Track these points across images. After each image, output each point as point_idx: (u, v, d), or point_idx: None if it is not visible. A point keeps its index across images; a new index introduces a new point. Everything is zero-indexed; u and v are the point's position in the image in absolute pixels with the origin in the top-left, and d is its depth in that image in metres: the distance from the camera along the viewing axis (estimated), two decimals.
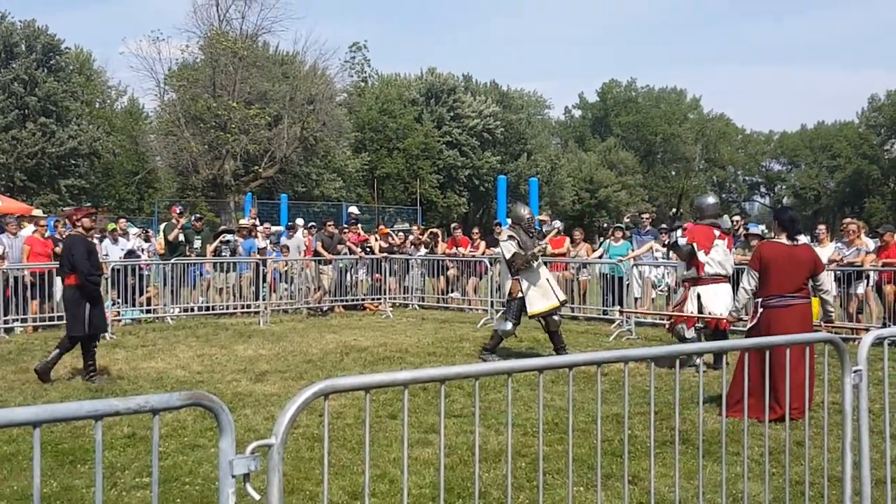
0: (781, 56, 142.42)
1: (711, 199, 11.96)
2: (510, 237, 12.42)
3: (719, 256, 11.17)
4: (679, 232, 11.57)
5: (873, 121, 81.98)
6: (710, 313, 10.98)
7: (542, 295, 12.19)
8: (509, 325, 12.31)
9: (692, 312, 11.14)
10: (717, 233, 11.24)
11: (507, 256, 12.28)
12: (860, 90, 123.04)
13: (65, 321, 11.20)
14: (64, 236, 12.11)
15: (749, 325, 8.43)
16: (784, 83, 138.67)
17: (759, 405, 4.96)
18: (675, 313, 11.75)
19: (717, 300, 11.05)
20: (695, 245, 11.15)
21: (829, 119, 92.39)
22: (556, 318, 12.40)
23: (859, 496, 4.56)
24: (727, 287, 11.27)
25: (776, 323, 7.99)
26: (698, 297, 11.12)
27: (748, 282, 8.50)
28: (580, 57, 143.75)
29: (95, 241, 13.32)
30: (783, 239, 8.54)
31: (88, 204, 42.56)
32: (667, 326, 11.73)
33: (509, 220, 13.97)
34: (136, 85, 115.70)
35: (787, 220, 8.63)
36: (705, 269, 11.08)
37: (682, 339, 11.21)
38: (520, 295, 12.25)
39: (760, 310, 8.30)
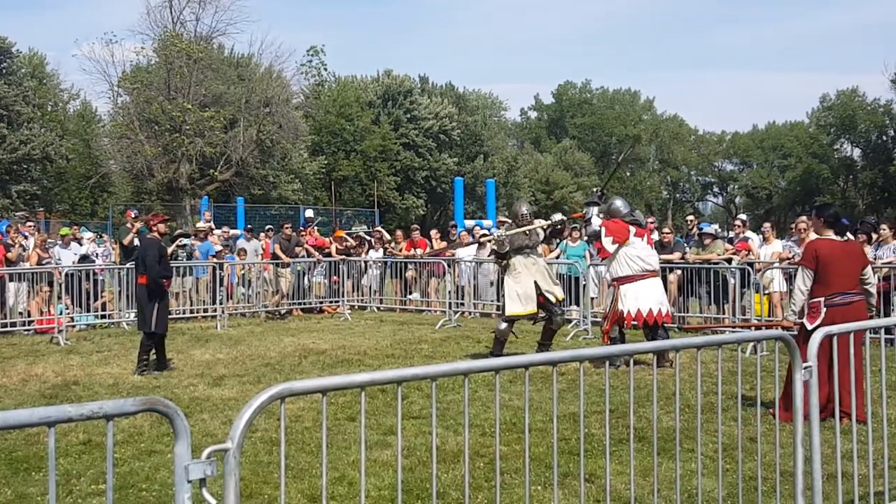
0: (732, 58, 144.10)
1: (620, 202, 12.04)
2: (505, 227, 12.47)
3: (640, 252, 11.31)
4: (595, 209, 11.67)
5: (823, 120, 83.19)
6: (639, 309, 11.12)
7: (523, 298, 12.04)
8: (503, 325, 12.26)
9: (623, 311, 11.23)
10: (632, 229, 11.35)
11: (503, 236, 12.17)
12: (809, 91, 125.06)
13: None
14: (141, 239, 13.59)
15: (812, 326, 7.76)
16: (735, 85, 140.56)
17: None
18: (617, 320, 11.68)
19: (644, 295, 11.18)
20: (604, 230, 11.31)
21: (780, 119, 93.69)
22: (559, 318, 12.42)
23: (811, 490, 4.64)
24: (656, 281, 11.47)
25: (842, 321, 7.19)
26: (627, 294, 11.22)
27: (804, 281, 8.15)
28: (536, 59, 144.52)
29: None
30: (830, 235, 8.32)
31: (42, 209, 42.12)
32: (604, 330, 11.66)
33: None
34: (88, 88, 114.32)
35: (830, 216, 8.42)
36: (620, 262, 11.26)
37: (618, 341, 11.33)
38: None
39: (824, 309, 7.97)
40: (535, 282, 12.08)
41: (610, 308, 11.60)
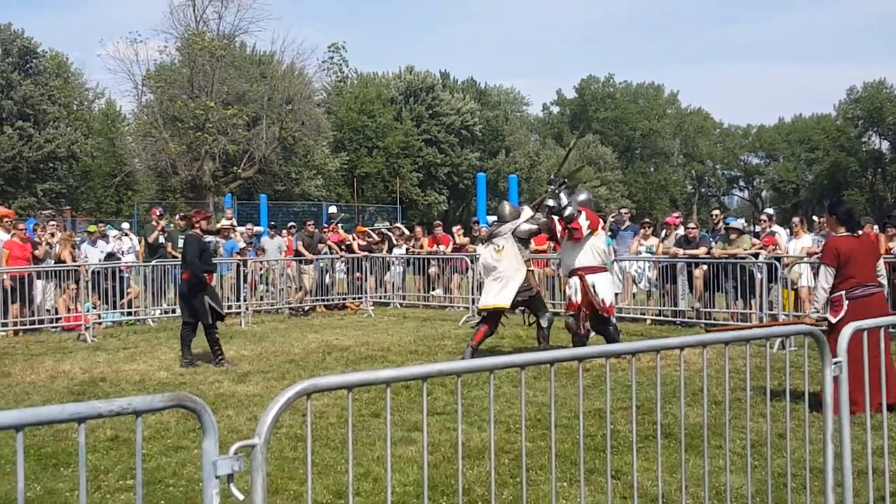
0: (758, 51, 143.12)
1: (585, 196, 12.10)
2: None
3: (602, 245, 11.69)
4: (564, 199, 11.74)
5: (850, 113, 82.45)
6: (602, 300, 11.36)
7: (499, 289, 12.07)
8: (545, 321, 12.32)
9: (599, 301, 11.39)
10: (601, 222, 11.88)
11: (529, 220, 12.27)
12: (837, 83, 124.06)
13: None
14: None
15: (836, 319, 8.09)
16: (761, 77, 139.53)
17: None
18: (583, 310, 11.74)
19: (605, 286, 11.52)
20: (583, 212, 11.43)
21: (807, 112, 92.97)
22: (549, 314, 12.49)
23: (841, 487, 4.59)
24: (608, 275, 11.94)
25: (865, 313, 7.60)
26: (596, 284, 11.42)
27: (826, 279, 8.36)
28: (558, 54, 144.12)
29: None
30: (843, 231, 8.53)
31: (68, 207, 42.43)
32: (578, 324, 11.69)
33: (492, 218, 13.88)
34: (113, 87, 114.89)
35: (843, 213, 8.66)
36: (587, 252, 11.42)
37: (574, 331, 11.50)
38: (535, 290, 12.36)
39: (846, 302, 8.19)
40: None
41: (574, 299, 11.52)
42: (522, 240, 12.31)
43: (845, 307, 8.18)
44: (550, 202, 11.89)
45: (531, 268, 12.52)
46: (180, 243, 18.66)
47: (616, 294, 16.18)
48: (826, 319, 8.25)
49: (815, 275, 14.65)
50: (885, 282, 8.82)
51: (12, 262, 15.74)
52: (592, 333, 11.80)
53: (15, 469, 2.57)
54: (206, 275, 11.96)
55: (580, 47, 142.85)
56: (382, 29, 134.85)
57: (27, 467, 6.43)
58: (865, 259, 8.43)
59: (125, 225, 20.49)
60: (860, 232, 8.81)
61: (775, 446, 5.47)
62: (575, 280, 11.56)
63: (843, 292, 8.28)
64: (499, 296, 11.98)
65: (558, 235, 11.90)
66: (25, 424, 2.51)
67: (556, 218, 11.69)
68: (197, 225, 12.30)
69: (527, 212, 12.46)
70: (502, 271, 12.02)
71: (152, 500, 5.90)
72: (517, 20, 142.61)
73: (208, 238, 18.95)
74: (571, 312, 11.60)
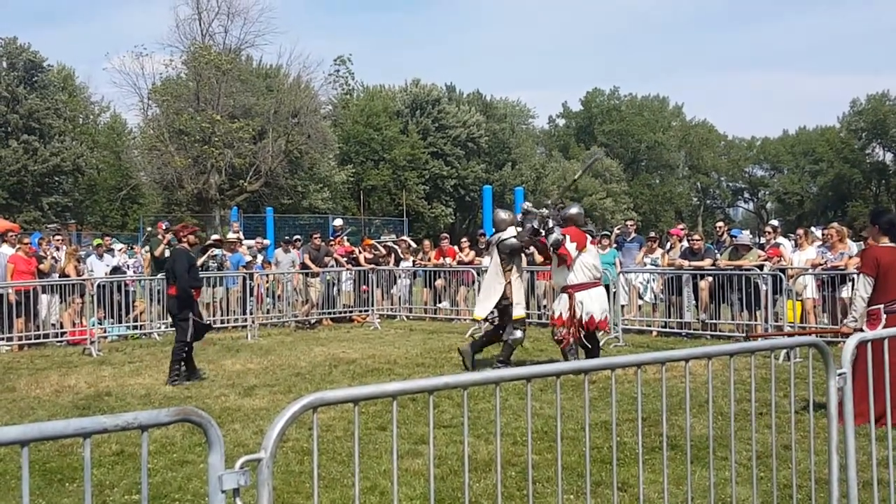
0: (762, 63, 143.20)
1: (576, 210, 12.21)
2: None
3: (591, 260, 11.65)
4: (551, 224, 11.80)
5: (854, 125, 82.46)
6: (588, 314, 11.36)
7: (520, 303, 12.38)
8: (519, 333, 12.35)
9: (583, 318, 11.38)
10: (589, 237, 11.84)
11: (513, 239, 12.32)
12: (840, 95, 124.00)
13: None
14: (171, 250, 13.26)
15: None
16: (765, 90, 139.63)
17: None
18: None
19: (594, 302, 11.50)
20: (568, 236, 11.42)
21: (811, 124, 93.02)
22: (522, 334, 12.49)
23: (846, 498, 4.58)
24: (601, 289, 11.85)
25: None
26: (584, 301, 11.42)
27: (865, 289, 8.14)
28: (563, 67, 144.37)
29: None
30: (886, 242, 8.30)
31: (73, 221, 42.54)
32: (571, 336, 11.62)
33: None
34: (119, 101, 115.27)
35: (886, 223, 8.41)
36: (576, 270, 11.42)
37: (569, 352, 11.44)
38: (505, 302, 12.30)
39: (885, 316, 7.96)
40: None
41: (564, 315, 11.55)
42: (512, 251, 12.35)
43: (883, 320, 7.93)
44: (535, 224, 11.97)
45: (511, 280, 12.40)
46: None
47: (623, 306, 16.21)
48: (861, 331, 7.87)
49: (819, 286, 14.77)
50: None
51: (17, 276, 15.76)
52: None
53: (20, 484, 2.58)
54: (193, 290, 11.85)
55: (586, 60, 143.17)
56: (388, 42, 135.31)
57: (32, 483, 6.43)
58: None
59: (119, 246, 20.47)
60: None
61: (781, 458, 5.47)
62: (564, 297, 11.64)
63: (882, 305, 8.06)
64: (477, 307, 12.86)
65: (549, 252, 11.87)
66: (30, 440, 2.52)
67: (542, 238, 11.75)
68: (185, 239, 12.19)
69: (512, 229, 12.54)
70: (483, 282, 12.53)
71: None
72: (523, 33, 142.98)
73: (215, 251, 19.11)
74: (559, 326, 11.63)
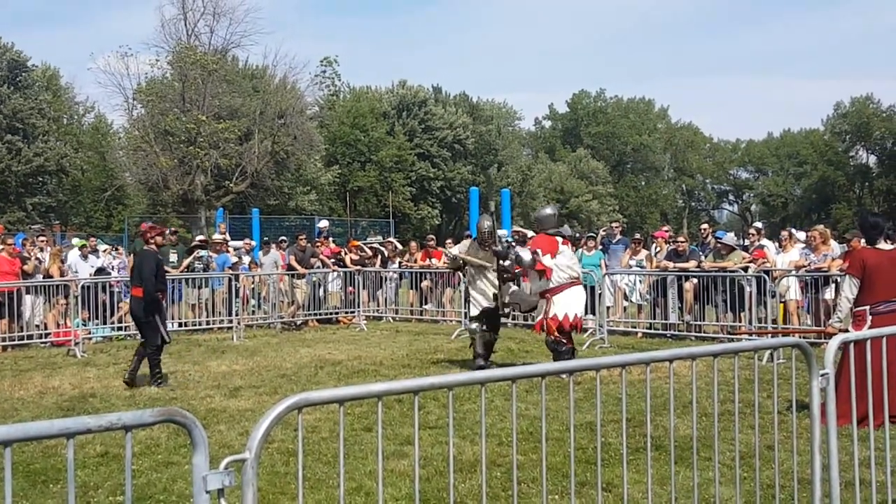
0: (747, 66, 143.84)
1: (550, 210, 12.19)
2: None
3: (566, 261, 11.53)
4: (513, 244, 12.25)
5: (838, 127, 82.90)
6: (565, 315, 11.30)
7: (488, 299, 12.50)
8: (474, 325, 12.58)
9: (559, 317, 11.33)
10: (560, 239, 11.63)
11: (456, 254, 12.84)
12: (824, 98, 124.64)
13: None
14: (136, 251, 13.03)
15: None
16: (749, 92, 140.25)
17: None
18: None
19: (573, 302, 11.44)
20: (539, 251, 11.43)
21: (795, 127, 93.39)
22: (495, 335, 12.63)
23: (829, 498, 4.62)
24: (578, 288, 11.65)
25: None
26: (560, 302, 11.39)
27: (851, 290, 8.22)
28: (550, 69, 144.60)
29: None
30: (882, 245, 8.38)
31: (57, 222, 42.33)
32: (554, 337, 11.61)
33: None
34: (103, 101, 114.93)
35: (868, 225, 8.54)
36: (553, 275, 11.35)
37: (556, 351, 11.38)
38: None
39: (870, 317, 8.03)
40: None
41: (543, 317, 11.59)
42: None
43: (869, 322, 8.00)
44: (498, 248, 12.25)
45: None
46: (171, 258, 18.71)
47: (608, 307, 16.25)
48: (846, 331, 7.94)
49: (803, 288, 14.84)
50: None
51: (1, 277, 15.68)
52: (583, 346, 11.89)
53: (3, 486, 2.57)
54: (159, 293, 11.56)
55: (572, 62, 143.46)
56: (375, 43, 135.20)
57: (16, 484, 6.40)
58: (893, 274, 8.22)
59: (104, 247, 20.36)
60: (893, 246, 8.58)
61: (764, 458, 5.49)
62: (542, 302, 11.66)
63: (868, 307, 8.13)
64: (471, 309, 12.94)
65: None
66: (14, 440, 2.51)
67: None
68: (152, 241, 11.84)
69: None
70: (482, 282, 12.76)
71: None
72: (509, 35, 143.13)
73: (201, 252, 19.06)
74: (538, 332, 11.73)
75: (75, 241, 20.54)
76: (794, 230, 17.86)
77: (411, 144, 66.99)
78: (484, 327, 12.49)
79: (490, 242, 12.39)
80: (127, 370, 11.49)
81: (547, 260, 11.36)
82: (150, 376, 11.31)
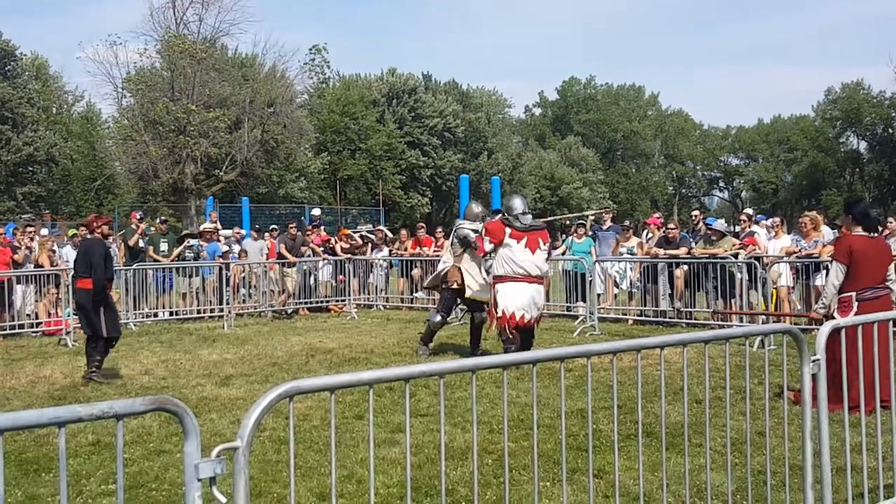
0: (737, 53, 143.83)
1: (517, 201, 11.75)
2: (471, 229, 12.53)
3: (515, 255, 11.18)
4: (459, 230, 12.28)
5: (829, 113, 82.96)
6: (511, 313, 11.07)
7: (481, 286, 12.26)
8: (438, 318, 12.53)
9: (498, 311, 11.19)
10: (508, 230, 11.27)
11: (464, 238, 12.34)
12: (815, 85, 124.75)
13: (78, 324, 11.99)
14: (81, 241, 12.50)
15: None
16: (739, 79, 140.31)
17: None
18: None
19: (514, 300, 11.13)
20: (483, 230, 11.60)
21: (786, 113, 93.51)
22: (481, 314, 12.38)
23: (820, 483, 4.64)
24: (529, 286, 11.23)
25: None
26: (501, 293, 11.23)
27: (837, 277, 8.30)
28: (540, 56, 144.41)
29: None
30: (859, 231, 8.45)
31: (48, 211, 42.18)
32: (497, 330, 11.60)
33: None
34: (93, 90, 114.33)
35: (860, 213, 8.57)
36: (495, 262, 11.32)
37: (506, 341, 11.25)
38: (455, 286, 12.36)
39: (856, 304, 8.13)
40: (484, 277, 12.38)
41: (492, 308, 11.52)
42: (463, 240, 12.49)
43: (855, 308, 8.11)
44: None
45: (462, 265, 12.50)
46: (162, 247, 18.70)
47: (599, 294, 16.28)
48: (832, 318, 8.04)
49: (795, 274, 14.89)
50: (893, 287, 8.72)
51: None
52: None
53: None
54: (107, 284, 11.15)
55: (562, 49, 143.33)
56: (364, 31, 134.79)
57: (8, 473, 6.39)
58: (879, 260, 8.38)
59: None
60: (875, 234, 8.74)
61: (755, 444, 5.51)
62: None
63: (854, 293, 8.23)
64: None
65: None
66: (5, 429, 2.51)
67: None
68: (98, 230, 11.39)
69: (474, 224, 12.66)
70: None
71: None
72: (499, 22, 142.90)
73: (191, 242, 19.04)
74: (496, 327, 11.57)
75: (71, 231, 20.51)
76: (758, 218, 17.85)
77: (401, 132, 66.86)
78: (446, 319, 12.67)
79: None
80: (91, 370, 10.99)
81: (485, 242, 11.43)
82: (87, 365, 10.93)
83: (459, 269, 12.36)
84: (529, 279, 11.25)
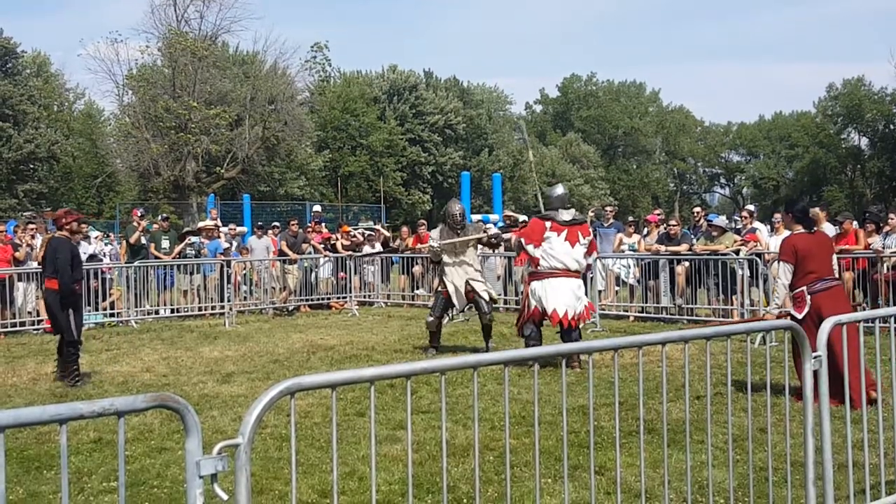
0: (739, 49, 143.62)
1: (560, 191, 11.74)
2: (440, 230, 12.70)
3: (554, 249, 10.97)
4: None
5: (830, 110, 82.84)
6: (535, 307, 10.96)
7: (455, 295, 12.37)
8: (430, 318, 12.61)
9: (531, 307, 11.05)
10: (548, 224, 11.08)
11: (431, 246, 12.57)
12: (816, 81, 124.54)
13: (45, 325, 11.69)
14: (48, 238, 11.90)
15: (802, 315, 8.29)
16: (741, 75, 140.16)
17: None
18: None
19: (554, 295, 10.88)
20: (522, 239, 11.31)
21: (787, 109, 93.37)
22: (489, 314, 12.46)
23: (822, 480, 4.63)
24: (566, 281, 10.96)
25: (826, 305, 8.11)
26: (535, 291, 11.04)
27: (785, 276, 8.61)
28: (541, 53, 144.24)
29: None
30: (799, 229, 8.76)
31: (49, 209, 42.17)
32: (517, 326, 11.58)
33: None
34: (94, 87, 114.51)
35: (799, 212, 8.90)
36: (540, 262, 11.09)
37: (526, 337, 11.17)
38: (440, 289, 12.53)
39: (808, 297, 8.44)
40: (467, 280, 12.36)
41: (522, 304, 11.43)
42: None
43: (808, 302, 8.43)
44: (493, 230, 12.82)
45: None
46: (163, 244, 18.70)
47: (600, 291, 16.28)
48: (789, 314, 8.43)
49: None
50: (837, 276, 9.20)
51: None
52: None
53: None
54: (75, 284, 10.62)
55: (563, 46, 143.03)
56: (365, 28, 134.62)
57: (9, 470, 6.40)
58: (823, 254, 8.73)
59: (95, 234, 20.30)
60: (815, 229, 9.12)
61: (757, 440, 5.51)
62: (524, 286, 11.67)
63: (805, 287, 8.52)
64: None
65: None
66: (6, 426, 2.50)
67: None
68: (67, 227, 10.77)
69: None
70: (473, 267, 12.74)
71: (136, 501, 5.89)
72: (500, 19, 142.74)
73: (192, 239, 19.03)
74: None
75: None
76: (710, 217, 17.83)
77: (402, 129, 66.85)
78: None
79: (461, 226, 12.44)
80: (58, 372, 10.74)
81: (530, 249, 11.18)
82: (67, 375, 10.47)
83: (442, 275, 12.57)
84: (567, 273, 11.02)
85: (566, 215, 11.28)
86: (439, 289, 12.63)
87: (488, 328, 12.56)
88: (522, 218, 20.35)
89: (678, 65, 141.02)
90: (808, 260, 8.54)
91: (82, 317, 11.15)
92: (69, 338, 10.47)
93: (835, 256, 9.27)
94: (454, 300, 12.40)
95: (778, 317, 8.53)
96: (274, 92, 40.94)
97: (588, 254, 11.48)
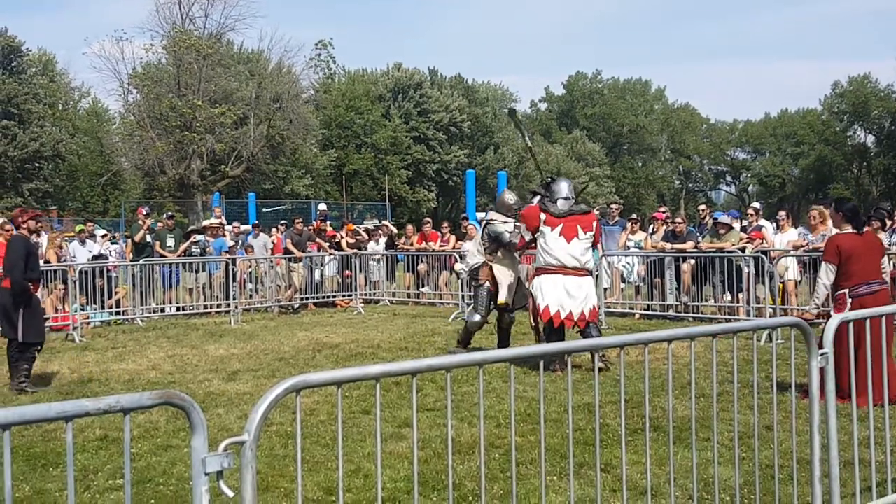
0: (744, 47, 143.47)
1: (564, 184, 11.01)
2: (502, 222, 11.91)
3: (549, 245, 10.41)
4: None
5: (836, 107, 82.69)
6: (539, 306, 10.40)
7: (509, 287, 11.72)
8: (476, 317, 11.82)
9: (539, 306, 10.50)
10: (542, 216, 10.50)
11: (497, 236, 11.68)
12: (822, 78, 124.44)
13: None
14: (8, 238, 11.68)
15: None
16: (746, 73, 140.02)
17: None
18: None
19: (550, 293, 10.32)
20: (523, 227, 10.89)
21: (793, 107, 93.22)
22: (510, 315, 12.11)
23: (828, 477, 4.62)
24: (557, 278, 10.35)
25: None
26: (536, 287, 10.56)
27: (827, 276, 8.42)
28: (546, 51, 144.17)
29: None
30: (848, 229, 8.55)
31: (54, 207, 42.23)
32: (531, 325, 11.13)
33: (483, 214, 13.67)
34: (99, 86, 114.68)
35: (849, 210, 8.65)
36: (537, 259, 10.75)
37: (543, 334, 10.70)
38: (487, 283, 11.75)
39: (850, 300, 8.25)
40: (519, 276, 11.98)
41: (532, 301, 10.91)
42: (495, 238, 11.89)
43: (849, 304, 8.22)
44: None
45: (494, 264, 11.87)
46: (168, 242, 18.72)
47: (605, 289, 16.26)
48: (828, 315, 8.06)
49: (802, 268, 14.85)
50: (887, 278, 8.84)
51: None
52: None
53: (2, 469, 2.57)
54: (31, 284, 10.16)
55: (568, 44, 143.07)
56: (370, 26, 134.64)
57: (15, 468, 6.42)
58: (869, 256, 8.46)
59: (101, 232, 20.34)
60: (865, 229, 8.84)
61: (762, 438, 5.50)
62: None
63: (847, 290, 8.34)
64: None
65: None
66: (12, 424, 2.51)
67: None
68: (24, 225, 10.55)
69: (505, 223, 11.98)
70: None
71: (142, 499, 5.89)
72: (500, 19, 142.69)
73: (198, 237, 19.05)
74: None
75: (78, 227, 20.54)
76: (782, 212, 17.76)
77: (407, 127, 66.86)
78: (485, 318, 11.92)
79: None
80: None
81: (523, 229, 10.85)
82: (12, 374, 10.19)
83: (490, 268, 11.74)
84: (565, 271, 10.33)
85: (563, 205, 10.62)
86: (485, 283, 11.79)
87: (509, 330, 12.17)
88: None
89: (682, 63, 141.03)
90: (852, 261, 8.33)
91: (40, 318, 10.77)
92: (13, 338, 10.10)
93: (886, 258, 9.00)
94: (504, 297, 11.58)
95: (818, 317, 8.37)
96: (279, 90, 41.03)
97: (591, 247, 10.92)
